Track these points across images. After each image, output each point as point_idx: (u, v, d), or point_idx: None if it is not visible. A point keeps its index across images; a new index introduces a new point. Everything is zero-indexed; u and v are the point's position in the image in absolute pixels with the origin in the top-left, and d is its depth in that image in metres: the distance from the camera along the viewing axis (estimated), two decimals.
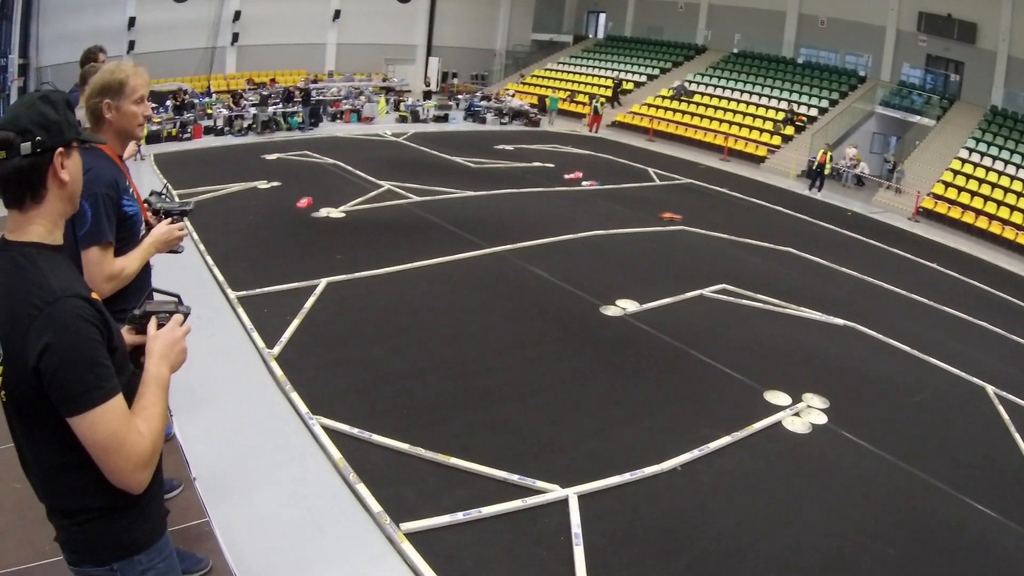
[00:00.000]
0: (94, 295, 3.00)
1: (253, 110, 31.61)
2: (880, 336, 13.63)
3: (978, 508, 8.92)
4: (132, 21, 37.09)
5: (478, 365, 11.14)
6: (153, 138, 26.67)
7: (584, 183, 24.51)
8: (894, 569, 7.63)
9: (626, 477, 8.49)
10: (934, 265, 20.84)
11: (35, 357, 2.75)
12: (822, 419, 10.38)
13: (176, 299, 3.56)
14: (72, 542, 3.22)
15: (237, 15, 40.35)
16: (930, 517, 8.65)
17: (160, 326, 3.37)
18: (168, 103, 30.98)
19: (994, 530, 8.56)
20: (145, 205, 5.25)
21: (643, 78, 44.18)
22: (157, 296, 3.61)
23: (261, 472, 8.16)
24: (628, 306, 13.60)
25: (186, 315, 3.51)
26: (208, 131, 30.38)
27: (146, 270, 5.11)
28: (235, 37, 40.93)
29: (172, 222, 5.03)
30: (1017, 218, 26.40)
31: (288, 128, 31.63)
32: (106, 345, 2.92)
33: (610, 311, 13.39)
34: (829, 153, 29.76)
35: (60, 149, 2.94)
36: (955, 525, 8.59)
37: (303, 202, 18.38)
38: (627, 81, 43.98)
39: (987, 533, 8.49)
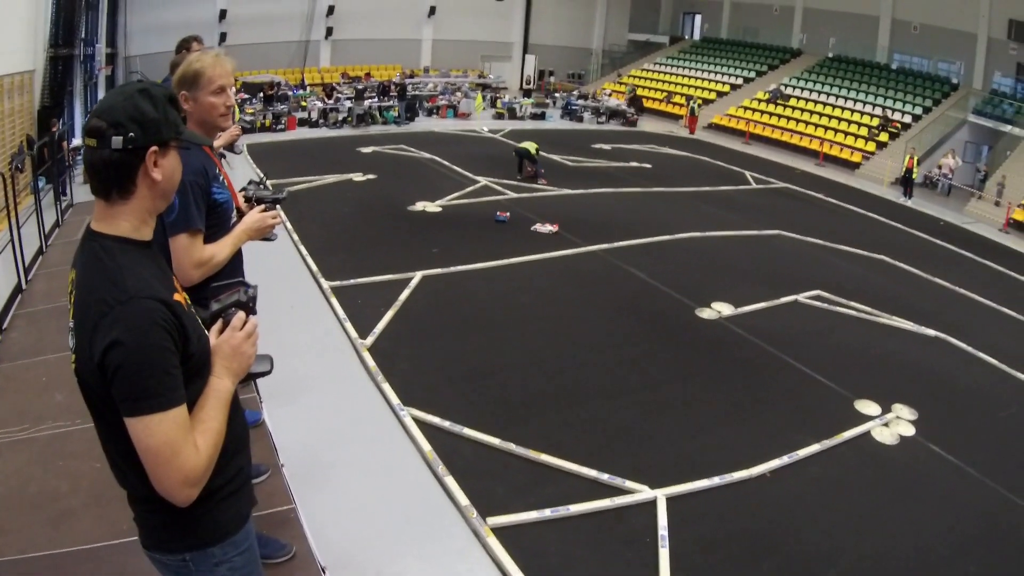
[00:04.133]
0: (177, 297, 2.93)
1: (348, 103, 31.95)
2: (970, 349, 13.39)
3: None
4: (223, 13, 37.70)
5: (572, 362, 11.26)
6: (246, 129, 27.19)
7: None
8: None
9: (715, 481, 8.51)
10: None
11: (100, 353, 2.67)
12: (910, 431, 10.27)
13: (241, 284, 3.39)
14: (145, 527, 3.18)
15: (331, 9, 40.92)
16: (1013, 534, 8.53)
17: (226, 325, 3.23)
18: (261, 95, 31.39)
19: None
20: (240, 194, 5.24)
21: (739, 80, 43.79)
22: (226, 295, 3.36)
23: (349, 461, 8.27)
24: (723, 309, 13.62)
25: (252, 302, 3.35)
26: (303, 123, 30.98)
27: (237, 257, 5.03)
28: (329, 31, 41.52)
29: (265, 210, 4.91)
30: None
31: (384, 122, 31.98)
32: (180, 352, 2.82)
33: (705, 313, 13.43)
34: (915, 158, 29.21)
35: (154, 148, 2.83)
36: None
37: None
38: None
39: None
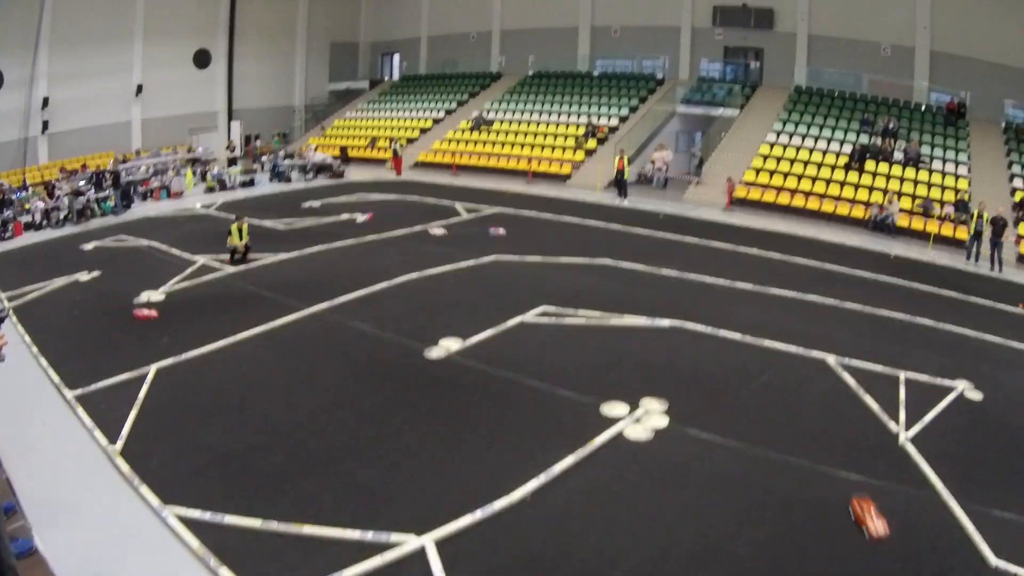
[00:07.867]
0: None
1: (67, 199, 30.98)
2: (710, 330, 13.96)
3: (841, 474, 9.26)
4: None
5: (313, 428, 11.21)
6: None
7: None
8: (768, 549, 7.92)
9: (478, 515, 8.70)
10: (754, 250, 21.51)
11: None
12: (664, 421, 10.58)
13: None
14: None
15: (45, 102, 39.36)
16: (794, 493, 8.94)
17: None
18: None
19: (861, 491, 8.87)
20: None
21: (441, 114, 44.37)
22: None
23: (128, 574, 8.18)
24: (452, 345, 13.61)
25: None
26: (28, 227, 29.54)
27: None
28: (45, 125, 39.92)
29: None
30: (834, 190, 27.75)
31: (102, 214, 31.02)
32: None
33: (434, 353, 13.38)
34: (625, 158, 30.36)
35: None
36: (821, 495, 8.89)
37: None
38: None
39: (855, 494, 8.76)
